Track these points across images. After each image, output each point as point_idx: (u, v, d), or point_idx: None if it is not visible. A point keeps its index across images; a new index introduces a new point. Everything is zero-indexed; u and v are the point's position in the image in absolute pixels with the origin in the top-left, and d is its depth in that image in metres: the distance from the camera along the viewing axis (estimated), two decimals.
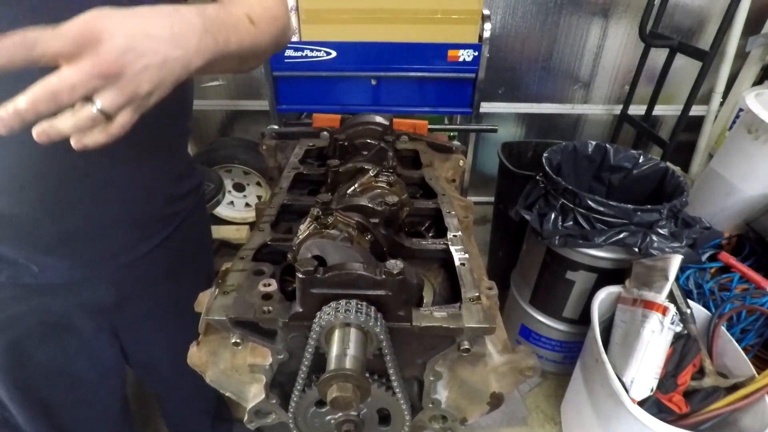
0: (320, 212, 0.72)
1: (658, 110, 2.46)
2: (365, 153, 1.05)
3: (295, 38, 1.76)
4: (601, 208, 1.43)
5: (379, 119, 1.13)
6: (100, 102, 0.49)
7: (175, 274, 1.02)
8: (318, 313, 0.58)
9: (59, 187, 0.73)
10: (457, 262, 0.74)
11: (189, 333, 1.00)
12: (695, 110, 2.25)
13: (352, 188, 0.85)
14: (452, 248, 0.77)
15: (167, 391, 1.30)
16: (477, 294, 0.66)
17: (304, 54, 1.75)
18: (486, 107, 2.60)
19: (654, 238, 1.42)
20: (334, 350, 0.56)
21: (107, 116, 0.50)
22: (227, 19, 0.63)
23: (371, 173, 0.89)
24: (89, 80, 0.47)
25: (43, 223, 0.75)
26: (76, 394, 1.01)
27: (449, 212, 0.88)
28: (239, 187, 2.69)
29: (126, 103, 0.51)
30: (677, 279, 1.42)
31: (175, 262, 1.00)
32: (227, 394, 0.73)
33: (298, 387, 0.64)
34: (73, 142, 0.50)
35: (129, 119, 0.53)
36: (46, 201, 0.74)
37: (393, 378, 0.61)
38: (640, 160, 1.76)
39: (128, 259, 0.90)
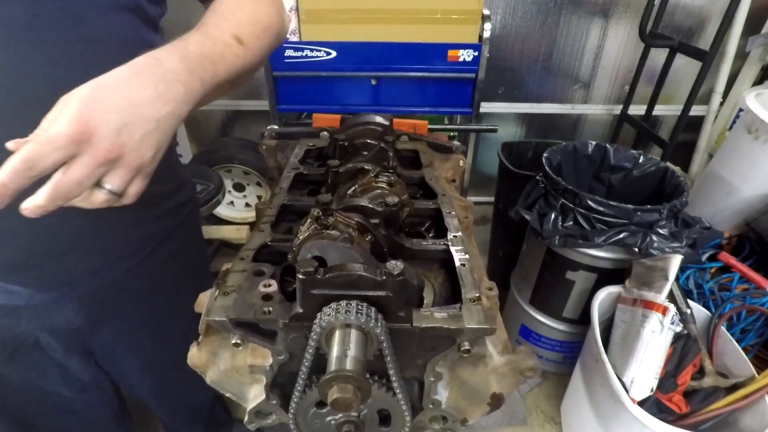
0: (320, 213, 0.72)
1: (658, 110, 2.46)
2: (365, 153, 1.05)
3: (295, 38, 1.76)
4: (601, 208, 1.43)
5: (379, 119, 1.13)
6: (109, 185, 0.51)
7: (156, 294, 0.97)
8: (318, 314, 0.58)
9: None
10: (457, 263, 0.74)
11: (173, 350, 0.94)
12: (695, 110, 2.25)
13: (353, 189, 0.85)
14: (452, 249, 0.77)
15: (154, 404, 1.25)
16: (477, 294, 0.66)
17: (304, 54, 1.75)
18: (486, 107, 2.60)
19: (654, 238, 1.42)
20: (335, 351, 0.56)
21: (119, 194, 0.52)
22: (212, 49, 0.63)
23: (371, 173, 0.89)
24: (94, 172, 0.48)
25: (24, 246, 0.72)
26: (53, 408, 0.99)
27: (449, 212, 0.88)
28: (239, 187, 2.69)
29: (134, 176, 0.52)
30: (677, 279, 1.42)
31: (155, 283, 0.96)
32: (227, 394, 0.73)
33: (299, 388, 0.64)
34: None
35: (141, 187, 0.55)
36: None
37: (393, 379, 0.61)
38: (640, 160, 1.76)
39: (95, 285, 0.85)
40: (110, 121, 0.48)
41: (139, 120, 0.51)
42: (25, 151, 0.44)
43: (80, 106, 0.47)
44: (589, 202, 1.44)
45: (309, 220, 0.71)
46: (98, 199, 0.51)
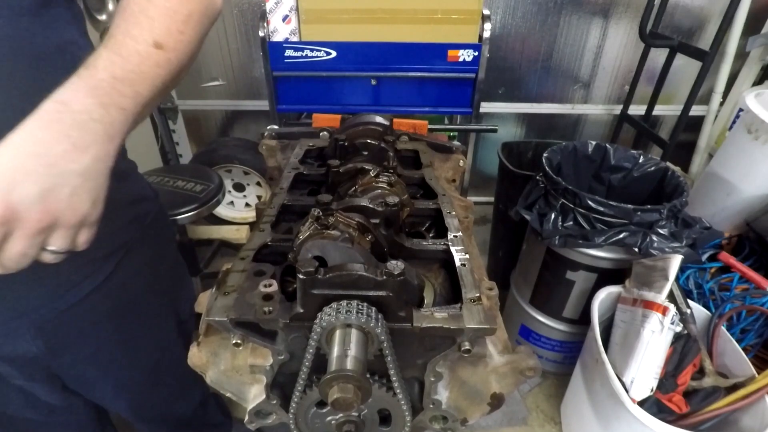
0: (321, 213, 0.72)
1: (658, 110, 2.46)
2: (365, 153, 1.05)
3: (295, 38, 1.76)
4: (601, 208, 1.43)
5: (379, 119, 1.13)
6: (53, 246, 0.50)
7: (123, 313, 0.90)
8: (319, 314, 0.58)
9: None
10: (457, 263, 0.74)
11: (147, 366, 0.94)
12: (695, 110, 2.25)
13: (353, 189, 0.85)
14: (453, 249, 0.77)
15: (133, 420, 1.17)
16: (478, 294, 0.66)
17: (304, 54, 1.75)
18: (486, 107, 2.60)
19: (654, 238, 1.42)
20: (335, 351, 0.56)
21: (70, 249, 0.52)
22: (126, 68, 0.55)
23: (371, 173, 0.89)
24: (33, 243, 0.48)
25: None
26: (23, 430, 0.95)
27: (449, 212, 0.88)
28: (239, 187, 2.69)
29: (77, 230, 0.51)
30: (677, 279, 1.42)
31: (121, 302, 0.89)
32: (228, 394, 0.73)
33: (299, 388, 0.64)
34: None
35: (89, 235, 0.53)
36: None
37: (394, 379, 0.61)
38: (640, 160, 1.76)
39: (53, 311, 0.79)
40: (30, 192, 0.46)
41: (62, 179, 0.48)
42: None
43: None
44: (589, 202, 1.44)
45: (309, 220, 0.71)
46: (48, 258, 0.51)
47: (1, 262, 0.47)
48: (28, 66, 0.62)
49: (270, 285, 0.65)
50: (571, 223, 1.50)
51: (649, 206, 1.41)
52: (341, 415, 0.70)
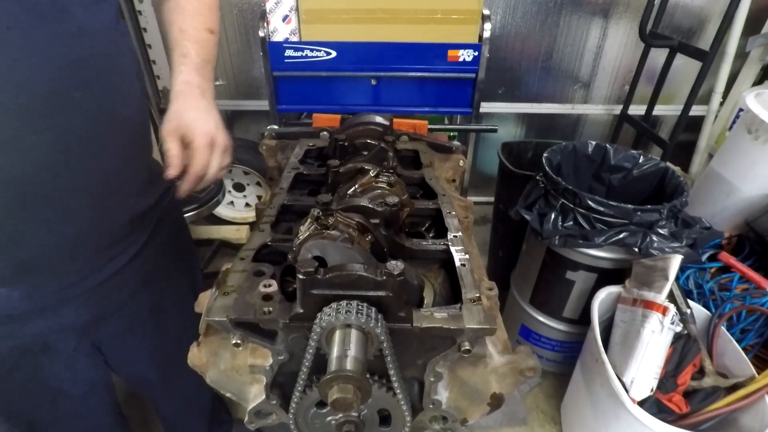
0: (320, 213, 0.72)
1: (658, 110, 2.46)
2: (365, 153, 1.05)
3: (295, 38, 1.76)
4: (601, 208, 1.43)
5: (379, 119, 1.13)
6: (225, 162, 0.87)
7: (152, 285, 1.00)
8: (318, 314, 0.58)
9: (4, 220, 0.71)
10: (457, 263, 0.74)
11: (174, 339, 1.01)
12: (695, 110, 2.25)
13: (353, 189, 0.85)
14: (452, 249, 0.77)
15: (160, 398, 1.28)
16: (477, 294, 0.66)
17: (304, 54, 1.75)
18: (486, 107, 2.60)
19: (654, 238, 1.42)
20: (335, 351, 0.56)
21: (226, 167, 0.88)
22: (203, 52, 0.88)
23: (371, 173, 0.89)
24: (223, 158, 0.86)
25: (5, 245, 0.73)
26: (63, 410, 0.99)
27: (449, 212, 0.88)
28: (239, 187, 2.69)
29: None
30: (677, 279, 1.42)
31: (150, 273, 0.99)
32: (227, 394, 0.73)
33: (299, 388, 0.64)
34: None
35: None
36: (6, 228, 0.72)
37: (394, 379, 0.61)
38: (640, 160, 1.76)
39: (96, 281, 0.88)
40: (212, 127, 0.84)
41: (218, 121, 0.86)
42: (198, 165, 0.81)
43: (209, 134, 0.83)
44: (589, 202, 1.44)
45: (309, 220, 0.71)
46: (220, 174, 0.87)
47: (213, 173, 0.84)
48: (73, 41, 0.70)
49: (270, 285, 0.65)
50: (571, 223, 1.50)
51: (649, 206, 1.41)
52: (341, 415, 0.70)
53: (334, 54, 1.75)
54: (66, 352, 0.91)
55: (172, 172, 0.79)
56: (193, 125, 0.80)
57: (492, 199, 2.43)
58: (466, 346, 0.63)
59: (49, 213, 0.74)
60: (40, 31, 0.63)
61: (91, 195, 0.78)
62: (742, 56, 2.37)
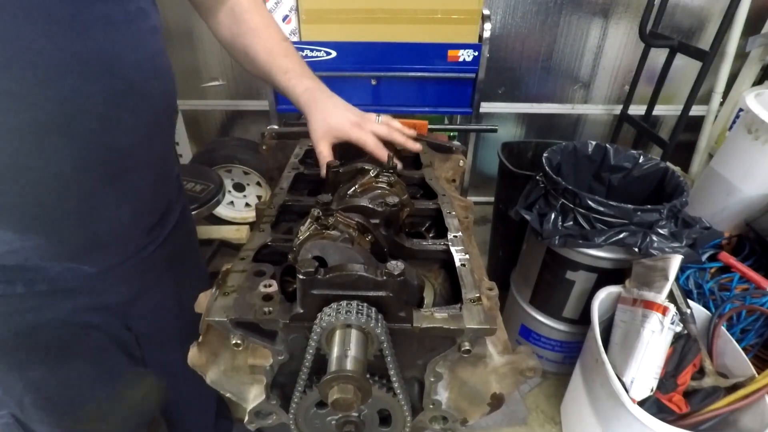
0: (320, 213, 0.72)
1: (658, 110, 2.46)
2: (365, 153, 1.05)
3: (295, 38, 1.76)
4: (601, 208, 1.43)
5: None
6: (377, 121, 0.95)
7: (173, 271, 1.04)
8: (319, 315, 0.58)
9: (90, 195, 0.74)
10: (457, 263, 0.73)
11: (194, 323, 1.02)
12: (695, 110, 2.25)
13: (353, 189, 0.85)
14: (453, 249, 0.77)
15: (179, 390, 1.26)
16: (478, 295, 0.66)
17: (304, 54, 1.75)
18: (486, 107, 2.60)
19: (654, 238, 1.42)
20: (335, 351, 0.56)
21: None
22: (298, 59, 0.96)
23: (371, 173, 0.89)
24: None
25: (71, 231, 0.76)
26: (99, 411, 0.99)
27: (449, 212, 0.88)
28: (239, 187, 2.69)
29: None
30: (677, 279, 1.42)
31: (172, 259, 1.03)
32: (227, 395, 0.73)
33: (299, 388, 0.64)
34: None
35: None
36: (78, 210, 0.74)
37: (394, 379, 0.61)
38: (640, 160, 1.76)
39: (138, 259, 0.91)
40: (356, 115, 0.94)
41: (353, 109, 0.96)
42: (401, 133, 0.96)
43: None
44: (589, 202, 1.44)
45: (309, 220, 0.71)
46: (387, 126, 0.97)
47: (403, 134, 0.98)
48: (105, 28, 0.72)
49: (270, 285, 0.65)
50: (571, 223, 1.50)
51: (649, 206, 1.41)
52: (341, 415, 0.70)
53: (334, 54, 1.75)
54: (113, 330, 0.93)
55: (323, 171, 0.89)
56: (343, 128, 0.90)
57: (492, 199, 2.43)
58: (467, 346, 0.63)
59: (125, 188, 0.79)
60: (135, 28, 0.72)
61: (154, 172, 0.85)
62: (742, 56, 2.37)
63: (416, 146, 0.99)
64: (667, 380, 1.38)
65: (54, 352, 0.87)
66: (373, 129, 0.92)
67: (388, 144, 1.00)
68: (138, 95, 0.74)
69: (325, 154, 0.90)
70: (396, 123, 0.97)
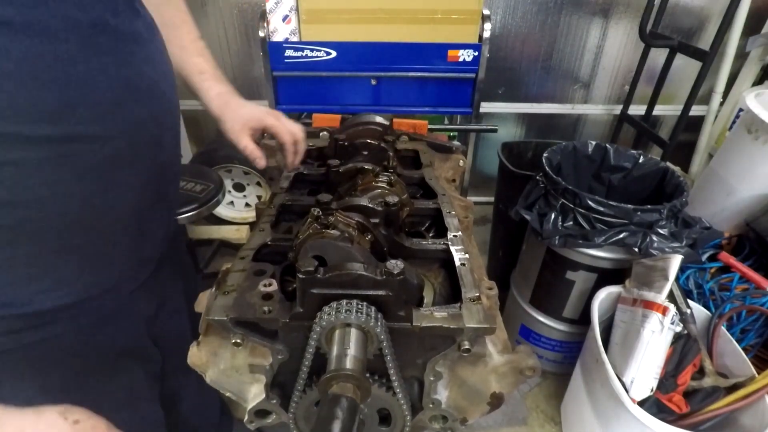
0: (320, 212, 0.72)
1: (658, 110, 2.46)
2: (365, 153, 1.05)
3: (295, 38, 1.76)
4: (601, 208, 1.43)
5: (379, 119, 1.13)
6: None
7: (183, 274, 1.07)
8: (318, 314, 0.58)
9: (146, 218, 0.76)
10: (457, 263, 0.74)
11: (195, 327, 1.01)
12: (695, 110, 2.25)
13: (353, 188, 0.85)
14: (452, 248, 0.77)
15: (187, 391, 1.24)
16: (477, 294, 0.66)
17: (304, 54, 1.75)
18: (486, 107, 2.60)
19: (654, 238, 1.42)
20: (335, 350, 0.56)
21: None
22: (210, 61, 0.96)
23: (371, 173, 0.89)
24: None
25: (127, 258, 0.77)
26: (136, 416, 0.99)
27: (449, 212, 0.88)
28: (239, 187, 2.69)
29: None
30: (677, 279, 1.42)
31: (180, 265, 1.06)
32: (227, 394, 0.73)
33: (299, 387, 0.64)
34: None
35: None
36: (135, 237, 0.75)
37: (393, 378, 0.61)
38: (640, 160, 1.76)
39: (158, 275, 0.92)
40: (269, 115, 0.99)
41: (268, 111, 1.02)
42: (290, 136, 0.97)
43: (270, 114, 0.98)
44: (589, 202, 1.44)
45: (309, 219, 0.71)
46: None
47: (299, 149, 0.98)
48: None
49: (270, 284, 0.65)
50: (571, 223, 1.50)
51: (649, 206, 1.41)
52: None
53: (334, 54, 1.75)
54: (139, 356, 0.92)
55: (262, 162, 0.93)
56: (257, 116, 0.93)
57: (492, 199, 2.43)
58: (466, 345, 0.63)
59: (167, 204, 0.83)
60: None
61: (178, 186, 0.91)
62: (742, 56, 2.37)
63: (294, 164, 1.02)
64: (667, 380, 1.38)
65: (90, 382, 0.83)
66: (287, 124, 0.95)
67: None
68: (172, 112, 0.77)
69: (250, 147, 0.93)
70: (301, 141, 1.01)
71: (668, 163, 1.76)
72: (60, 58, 0.57)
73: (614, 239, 1.43)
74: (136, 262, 0.80)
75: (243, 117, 0.93)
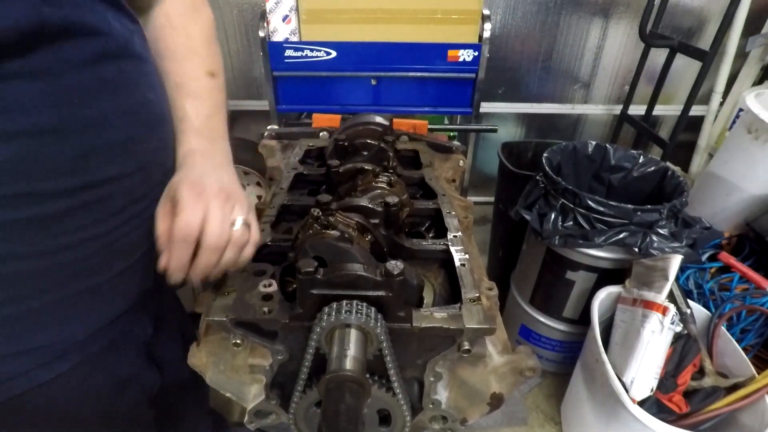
0: (320, 213, 0.72)
1: (658, 110, 2.46)
2: (365, 153, 1.05)
3: (295, 38, 1.76)
4: (601, 208, 1.43)
5: (379, 119, 1.13)
6: (236, 214, 0.63)
7: (176, 300, 1.09)
8: (318, 314, 0.58)
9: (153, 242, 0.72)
10: (457, 263, 0.74)
11: (188, 339, 0.99)
12: (695, 110, 2.25)
13: (353, 189, 0.85)
14: (452, 249, 0.77)
15: (185, 395, 1.24)
16: (477, 294, 0.66)
17: (304, 54, 1.75)
18: (486, 107, 2.60)
19: (654, 238, 1.42)
20: (335, 351, 0.56)
21: (247, 225, 0.64)
22: (205, 106, 0.74)
23: (371, 174, 0.89)
24: (224, 207, 0.62)
25: (141, 281, 0.76)
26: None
27: (449, 212, 0.88)
28: None
29: (247, 210, 0.66)
30: (677, 279, 1.42)
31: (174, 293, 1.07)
32: (227, 394, 0.73)
33: (299, 388, 0.64)
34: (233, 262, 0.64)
35: (255, 222, 0.67)
36: (149, 258, 0.72)
37: (393, 379, 0.61)
38: (640, 160, 1.76)
39: (160, 301, 0.92)
40: (213, 183, 0.65)
41: (223, 179, 0.69)
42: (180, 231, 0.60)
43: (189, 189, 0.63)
44: (589, 202, 1.44)
45: (309, 220, 0.71)
46: (237, 234, 0.62)
47: (210, 235, 0.61)
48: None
49: (269, 285, 0.65)
50: (571, 223, 1.50)
51: (649, 206, 1.41)
52: None
53: (334, 54, 1.75)
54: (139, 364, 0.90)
55: (161, 260, 0.61)
56: (179, 180, 0.63)
57: (492, 199, 2.43)
58: (466, 345, 0.63)
59: None
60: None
61: None
62: (742, 56, 2.37)
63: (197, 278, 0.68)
64: (667, 380, 1.38)
65: (96, 418, 0.81)
66: (209, 209, 0.60)
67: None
68: (172, 132, 0.73)
69: (161, 228, 0.62)
70: (252, 234, 0.66)
71: (668, 163, 1.76)
72: (71, 102, 0.54)
73: (614, 239, 1.43)
74: (145, 288, 0.79)
75: (175, 189, 0.64)
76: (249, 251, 0.64)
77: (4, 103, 0.49)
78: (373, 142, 1.06)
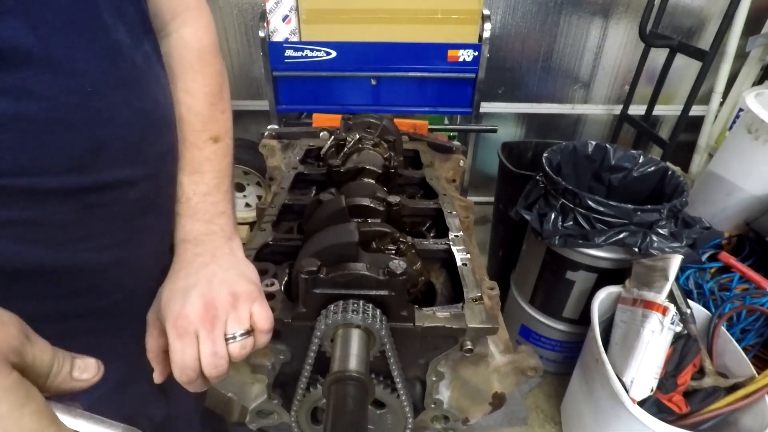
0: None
1: (658, 110, 2.46)
2: (368, 148, 1.05)
3: (295, 38, 1.76)
4: (601, 208, 1.43)
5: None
6: (233, 329, 0.56)
7: None
8: (321, 314, 0.58)
9: (160, 259, 0.69)
10: (459, 263, 0.74)
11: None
12: (695, 110, 2.25)
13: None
14: (454, 248, 0.77)
15: (181, 397, 1.23)
16: (479, 294, 0.66)
17: (304, 54, 1.75)
18: (486, 107, 2.60)
19: (654, 238, 1.42)
20: (338, 351, 0.56)
21: (249, 331, 0.57)
22: (205, 179, 0.66)
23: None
24: (216, 327, 0.55)
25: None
26: None
27: (450, 212, 0.88)
28: (239, 187, 2.68)
29: (250, 305, 0.57)
30: (677, 279, 1.42)
31: None
32: (229, 394, 0.73)
33: (301, 387, 0.64)
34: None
35: (266, 309, 0.58)
36: (158, 275, 0.66)
37: (396, 378, 0.61)
38: (640, 160, 1.76)
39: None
40: (196, 302, 0.56)
41: (220, 276, 0.59)
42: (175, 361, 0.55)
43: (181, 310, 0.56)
44: (589, 202, 1.44)
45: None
46: (236, 350, 0.55)
47: (207, 349, 0.55)
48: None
49: (272, 284, 0.65)
50: (571, 223, 1.50)
51: (649, 206, 1.41)
52: None
53: (334, 54, 1.75)
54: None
55: (155, 376, 0.58)
56: (169, 307, 0.56)
57: (492, 199, 2.43)
58: (469, 345, 0.63)
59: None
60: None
61: None
62: (742, 56, 2.37)
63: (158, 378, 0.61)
64: (667, 380, 1.38)
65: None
66: (200, 340, 0.55)
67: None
68: (178, 140, 0.69)
69: (149, 345, 0.59)
70: (258, 327, 0.58)
71: (668, 163, 1.76)
72: (85, 92, 0.50)
73: (614, 239, 1.43)
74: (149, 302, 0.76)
75: (162, 300, 0.58)
76: (262, 340, 0.57)
77: (11, 84, 0.45)
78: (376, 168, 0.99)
